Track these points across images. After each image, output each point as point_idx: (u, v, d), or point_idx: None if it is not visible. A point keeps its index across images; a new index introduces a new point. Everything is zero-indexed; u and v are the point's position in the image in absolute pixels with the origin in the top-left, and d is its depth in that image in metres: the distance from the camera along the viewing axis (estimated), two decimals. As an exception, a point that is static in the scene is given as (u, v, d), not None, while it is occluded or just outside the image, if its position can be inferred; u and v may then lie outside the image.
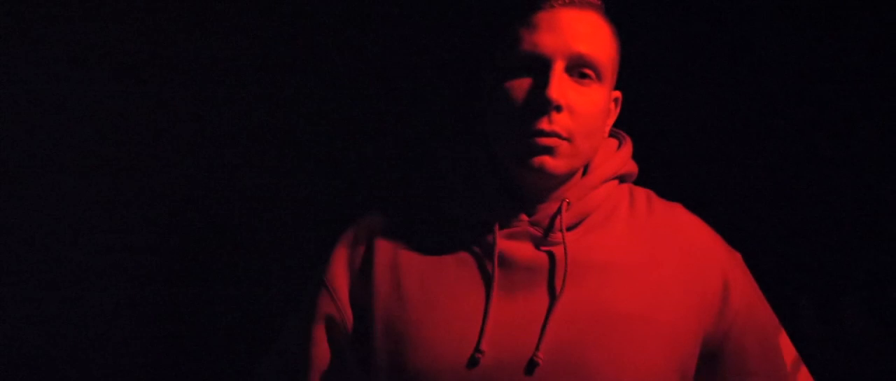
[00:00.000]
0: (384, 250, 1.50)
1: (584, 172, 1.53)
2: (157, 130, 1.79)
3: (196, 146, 1.81)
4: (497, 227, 1.46)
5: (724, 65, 1.89)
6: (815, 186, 1.86)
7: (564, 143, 1.42)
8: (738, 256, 1.55)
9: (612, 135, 1.58)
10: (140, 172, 1.79)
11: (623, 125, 1.60)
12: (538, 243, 1.47)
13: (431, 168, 1.58)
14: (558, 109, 1.40)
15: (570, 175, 1.48)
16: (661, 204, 1.55)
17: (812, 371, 1.55)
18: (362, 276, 1.50)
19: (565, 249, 1.44)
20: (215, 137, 1.83)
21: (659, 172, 1.64)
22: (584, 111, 1.43)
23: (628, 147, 1.57)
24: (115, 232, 1.76)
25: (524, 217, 1.48)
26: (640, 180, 1.59)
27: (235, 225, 1.84)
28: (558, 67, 1.42)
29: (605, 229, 1.49)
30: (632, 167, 1.57)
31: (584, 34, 1.43)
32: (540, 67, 1.43)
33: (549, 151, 1.42)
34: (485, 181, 1.51)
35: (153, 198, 1.79)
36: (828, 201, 1.85)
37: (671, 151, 1.88)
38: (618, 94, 1.54)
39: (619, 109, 1.55)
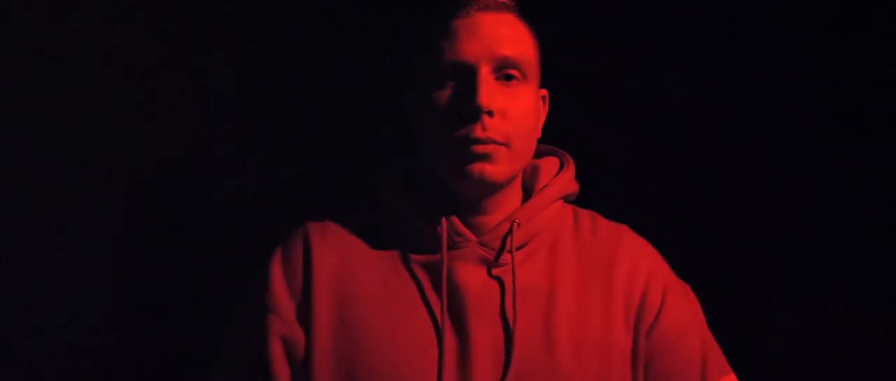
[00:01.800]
0: (324, 270, 1.44)
1: (530, 193, 1.50)
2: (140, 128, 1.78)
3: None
4: (445, 247, 1.43)
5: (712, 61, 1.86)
6: (841, 188, 1.83)
7: (502, 148, 1.40)
8: (686, 286, 1.51)
9: (552, 154, 1.57)
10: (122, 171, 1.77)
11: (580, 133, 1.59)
12: (489, 266, 1.44)
13: (368, 182, 1.53)
14: (490, 113, 1.38)
15: (510, 180, 1.45)
16: (606, 225, 1.53)
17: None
18: (303, 299, 1.43)
19: (514, 274, 1.42)
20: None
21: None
22: (515, 113, 1.41)
23: (571, 167, 1.54)
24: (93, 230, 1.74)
25: (472, 237, 1.45)
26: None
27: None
28: (484, 72, 1.39)
29: (552, 251, 1.47)
30: (575, 187, 1.54)
31: (505, 36, 1.42)
32: (465, 75, 1.40)
33: (486, 157, 1.39)
34: (428, 198, 1.47)
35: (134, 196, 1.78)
36: (856, 204, 1.81)
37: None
38: (545, 92, 1.52)
39: (547, 107, 1.53)
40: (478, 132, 1.37)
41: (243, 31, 1.80)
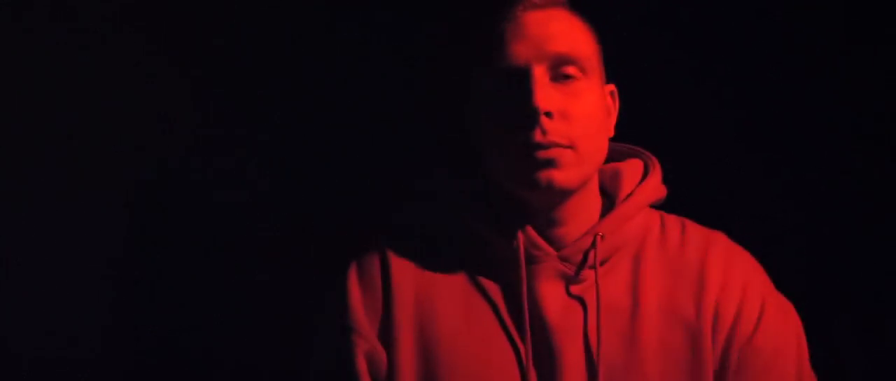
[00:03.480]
0: (403, 288, 1.37)
1: (611, 200, 1.42)
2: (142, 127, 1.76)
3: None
4: (523, 263, 1.35)
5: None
6: (853, 197, 1.79)
7: (567, 151, 1.32)
8: (789, 304, 1.40)
9: (635, 156, 1.48)
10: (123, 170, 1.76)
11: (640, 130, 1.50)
12: (569, 282, 1.36)
13: (435, 196, 1.47)
14: (549, 115, 1.31)
15: (582, 186, 1.36)
16: (697, 233, 1.42)
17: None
18: (384, 318, 1.37)
19: (598, 291, 1.34)
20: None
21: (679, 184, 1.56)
22: (578, 112, 1.33)
23: (657, 171, 1.45)
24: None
25: (552, 251, 1.37)
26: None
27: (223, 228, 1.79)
28: (537, 73, 1.33)
29: (637, 264, 1.38)
30: (663, 192, 1.44)
31: (557, 33, 1.35)
32: (518, 80, 1.34)
33: (551, 164, 1.31)
34: (500, 212, 1.40)
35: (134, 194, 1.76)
36: (867, 212, 1.77)
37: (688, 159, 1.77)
38: (612, 87, 1.44)
39: (618, 104, 1.45)
40: (538, 137, 1.30)
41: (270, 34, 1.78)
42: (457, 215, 1.41)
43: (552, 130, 1.31)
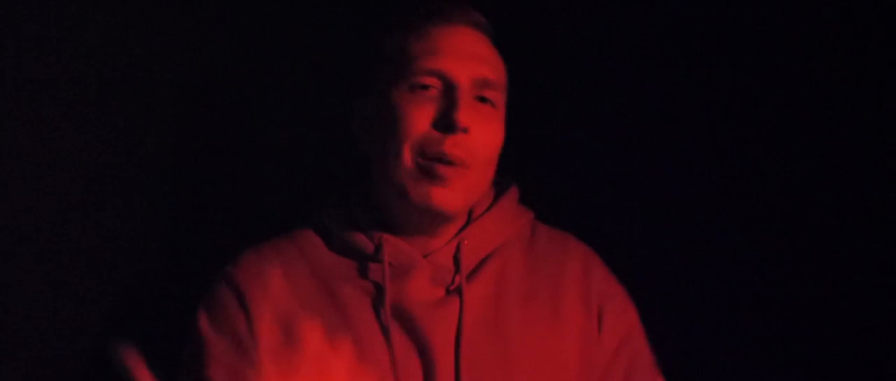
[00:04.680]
0: (262, 304, 1.32)
1: (473, 212, 1.42)
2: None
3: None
4: (386, 268, 1.34)
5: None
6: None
7: (464, 172, 1.31)
8: (625, 291, 1.47)
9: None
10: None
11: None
12: (436, 284, 1.35)
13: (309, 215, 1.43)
14: (465, 131, 1.30)
15: (461, 213, 1.37)
16: (552, 235, 1.47)
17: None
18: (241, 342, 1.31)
19: (461, 297, 1.34)
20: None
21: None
22: (485, 137, 1.33)
23: (514, 192, 1.46)
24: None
25: (418, 256, 1.36)
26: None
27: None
28: (465, 87, 1.31)
29: (502, 269, 1.39)
30: (519, 209, 1.46)
31: (487, 56, 1.36)
32: (443, 87, 1.32)
33: (445, 182, 1.30)
34: (369, 218, 1.38)
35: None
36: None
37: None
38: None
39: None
40: (447, 147, 1.29)
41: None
42: (327, 229, 1.39)
43: (463, 144, 1.30)
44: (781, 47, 1.68)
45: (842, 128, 1.66)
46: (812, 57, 1.67)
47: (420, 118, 1.31)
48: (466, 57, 1.33)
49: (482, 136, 1.32)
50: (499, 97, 1.35)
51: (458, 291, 1.35)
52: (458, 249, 1.37)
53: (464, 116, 1.29)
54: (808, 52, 1.67)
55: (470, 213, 1.42)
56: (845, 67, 1.65)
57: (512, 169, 1.46)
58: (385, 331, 1.32)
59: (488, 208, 1.42)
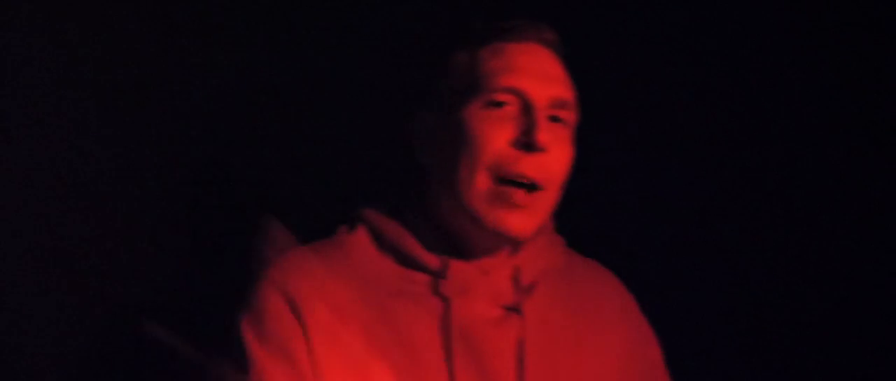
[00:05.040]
0: (317, 316, 1.26)
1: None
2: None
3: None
4: (449, 288, 1.30)
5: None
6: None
7: (538, 194, 1.26)
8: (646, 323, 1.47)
9: None
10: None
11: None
12: (495, 305, 1.32)
13: (357, 217, 1.36)
14: (544, 150, 1.25)
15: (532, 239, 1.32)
16: (584, 263, 1.46)
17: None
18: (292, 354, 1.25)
19: (521, 316, 1.32)
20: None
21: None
22: (560, 158, 1.29)
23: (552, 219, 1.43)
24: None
25: (479, 277, 1.32)
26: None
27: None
28: (542, 107, 1.26)
29: (552, 294, 1.37)
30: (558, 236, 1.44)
31: (560, 77, 1.31)
32: (520, 105, 1.27)
33: (520, 207, 1.25)
34: (428, 235, 1.32)
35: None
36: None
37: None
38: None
39: None
40: (525, 168, 1.24)
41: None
42: (386, 239, 1.32)
43: (540, 166, 1.25)
44: (783, 47, 1.71)
45: (842, 127, 1.70)
46: (814, 57, 1.71)
47: (496, 136, 1.25)
48: (542, 76, 1.28)
49: (558, 156, 1.28)
50: (571, 117, 1.31)
51: (518, 310, 1.32)
52: (517, 270, 1.33)
53: (543, 135, 1.24)
54: (810, 52, 1.71)
55: None
56: (846, 67, 1.69)
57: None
58: (447, 349, 1.27)
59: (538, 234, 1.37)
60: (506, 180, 1.25)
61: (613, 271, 1.47)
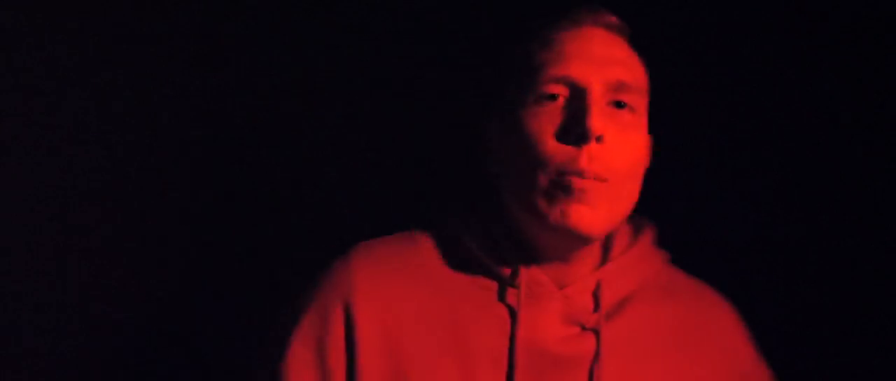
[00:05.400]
0: (368, 327, 1.21)
1: (609, 247, 1.30)
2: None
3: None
4: (522, 299, 1.22)
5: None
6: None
7: (602, 186, 1.17)
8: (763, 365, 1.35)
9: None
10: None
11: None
12: (570, 322, 1.23)
13: (431, 219, 1.32)
14: (599, 139, 1.17)
15: (608, 232, 1.23)
16: (692, 285, 1.35)
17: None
18: (337, 358, 1.21)
19: (599, 337, 1.23)
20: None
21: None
22: (624, 146, 1.19)
23: (652, 231, 1.34)
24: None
25: (554, 289, 1.24)
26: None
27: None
28: (597, 92, 1.18)
29: (642, 313, 1.28)
30: (656, 250, 1.34)
31: (622, 58, 1.22)
32: (572, 94, 1.19)
33: (582, 198, 1.16)
34: (504, 242, 1.25)
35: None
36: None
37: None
38: (650, 137, 1.29)
39: (649, 157, 1.29)
40: (582, 162, 1.15)
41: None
42: (460, 242, 1.27)
43: (599, 157, 1.17)
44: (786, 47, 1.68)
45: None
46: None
47: (548, 131, 1.18)
48: (596, 60, 1.20)
49: (620, 145, 1.18)
50: (638, 101, 1.21)
51: (596, 331, 1.23)
52: (598, 286, 1.24)
53: (597, 122, 1.16)
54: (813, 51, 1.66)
55: (606, 251, 1.29)
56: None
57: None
58: (510, 363, 1.20)
59: (627, 248, 1.29)
60: (565, 175, 1.17)
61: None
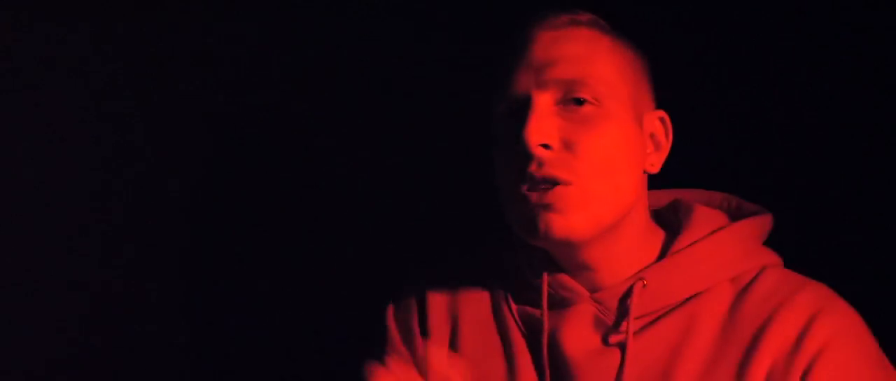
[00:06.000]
0: (439, 327, 1.28)
1: (667, 246, 1.22)
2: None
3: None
4: (545, 305, 1.21)
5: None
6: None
7: (566, 190, 1.13)
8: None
9: (724, 205, 1.27)
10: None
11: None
12: (602, 330, 1.19)
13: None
14: (546, 147, 1.14)
15: (597, 233, 1.16)
16: (780, 283, 1.16)
17: None
18: (414, 346, 1.29)
19: (624, 352, 1.16)
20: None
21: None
22: (586, 143, 1.14)
23: (749, 227, 1.21)
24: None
25: (584, 292, 1.20)
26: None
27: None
28: (539, 100, 1.16)
29: (694, 323, 1.16)
30: (757, 256, 1.20)
31: (568, 55, 1.17)
32: (518, 108, 1.17)
33: (548, 208, 1.14)
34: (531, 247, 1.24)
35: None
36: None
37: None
38: (661, 113, 1.24)
39: (671, 135, 1.24)
40: (533, 169, 1.13)
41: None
42: (500, 253, 1.29)
43: (551, 162, 1.14)
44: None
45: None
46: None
47: (506, 151, 1.18)
48: (536, 66, 1.17)
49: (581, 143, 1.14)
50: (603, 92, 1.16)
51: (621, 345, 1.17)
52: (629, 290, 1.18)
53: (534, 132, 1.13)
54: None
55: (667, 246, 1.21)
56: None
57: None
58: (538, 370, 1.20)
59: (696, 242, 1.19)
60: (527, 189, 1.15)
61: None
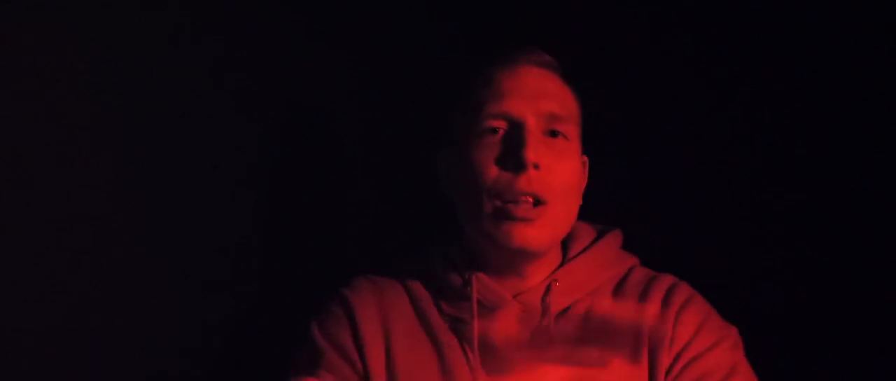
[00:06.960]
0: (372, 336, 1.40)
1: (567, 253, 1.45)
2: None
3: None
4: (475, 306, 1.39)
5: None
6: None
7: (542, 209, 1.34)
8: (729, 330, 1.41)
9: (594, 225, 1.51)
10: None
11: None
12: (527, 324, 1.38)
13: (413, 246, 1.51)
14: (536, 167, 1.33)
15: (550, 246, 1.40)
16: (645, 277, 1.45)
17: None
18: (352, 360, 1.40)
19: (547, 336, 1.37)
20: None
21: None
22: (559, 170, 1.36)
23: (615, 236, 1.48)
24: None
25: (507, 295, 1.40)
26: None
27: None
28: (531, 125, 1.35)
29: (587, 310, 1.40)
30: (618, 255, 1.47)
31: (552, 92, 1.39)
32: (510, 127, 1.36)
33: (526, 221, 1.34)
34: (462, 252, 1.44)
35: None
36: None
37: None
38: (585, 158, 1.47)
39: (587, 175, 1.47)
40: (522, 184, 1.33)
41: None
42: (421, 264, 1.46)
43: (538, 180, 1.33)
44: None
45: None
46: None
47: (490, 161, 1.35)
48: (530, 95, 1.37)
49: (556, 169, 1.35)
50: (570, 129, 1.39)
51: (545, 331, 1.37)
52: (547, 290, 1.39)
53: (532, 151, 1.33)
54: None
55: (566, 254, 1.45)
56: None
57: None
58: (472, 369, 1.36)
59: (583, 250, 1.44)
60: (507, 201, 1.33)
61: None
